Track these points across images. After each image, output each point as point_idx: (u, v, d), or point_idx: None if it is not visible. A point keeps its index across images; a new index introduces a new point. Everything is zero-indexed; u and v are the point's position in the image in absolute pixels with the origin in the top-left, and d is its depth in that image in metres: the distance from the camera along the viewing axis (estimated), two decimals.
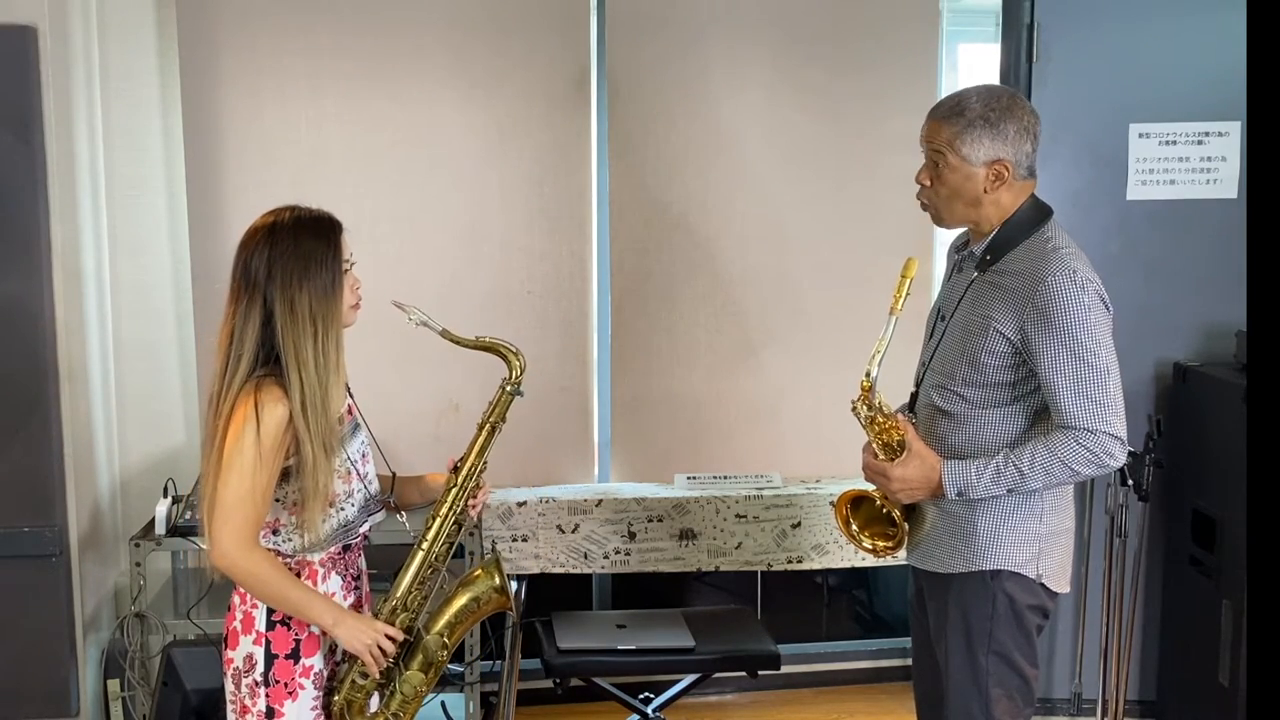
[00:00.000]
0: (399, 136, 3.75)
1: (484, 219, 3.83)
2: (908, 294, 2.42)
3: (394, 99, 3.73)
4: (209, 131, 3.65)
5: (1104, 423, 2.30)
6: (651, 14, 3.85)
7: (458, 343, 2.39)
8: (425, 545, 2.36)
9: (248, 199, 3.55)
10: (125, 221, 3.69)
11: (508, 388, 2.44)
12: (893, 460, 2.43)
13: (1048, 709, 3.82)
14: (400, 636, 2.30)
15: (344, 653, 2.32)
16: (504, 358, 2.44)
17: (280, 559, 2.27)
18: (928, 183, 2.45)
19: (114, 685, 3.52)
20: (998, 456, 2.35)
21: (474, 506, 2.42)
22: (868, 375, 2.44)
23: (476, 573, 2.45)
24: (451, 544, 2.39)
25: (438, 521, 2.38)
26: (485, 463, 2.43)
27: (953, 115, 2.39)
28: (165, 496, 3.39)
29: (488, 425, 2.43)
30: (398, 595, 2.34)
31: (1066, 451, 2.31)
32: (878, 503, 2.49)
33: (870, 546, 2.54)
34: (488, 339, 2.42)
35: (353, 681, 2.31)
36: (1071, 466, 2.31)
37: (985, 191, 2.39)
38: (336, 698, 2.32)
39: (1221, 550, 3.43)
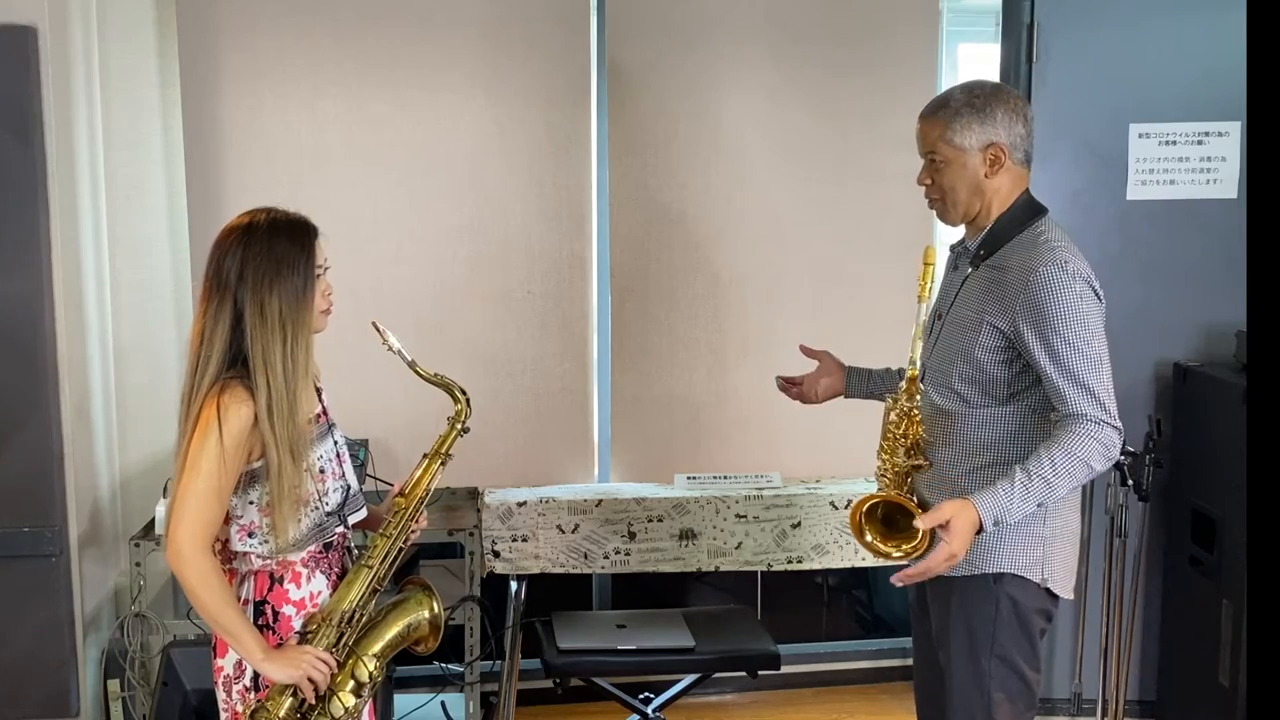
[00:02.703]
0: (399, 137, 3.75)
1: (484, 219, 3.83)
2: (933, 281, 2.43)
3: (394, 99, 3.73)
4: (209, 131, 3.66)
5: (1103, 410, 2.31)
6: (652, 14, 3.85)
7: (419, 375, 2.44)
8: (372, 564, 2.33)
9: (248, 199, 3.50)
10: (125, 221, 3.69)
11: (456, 425, 2.46)
12: (915, 468, 2.42)
13: (1048, 709, 3.81)
14: (331, 661, 2.24)
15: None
16: (452, 397, 2.46)
17: (261, 561, 2.26)
18: (929, 182, 2.47)
19: (114, 685, 3.52)
20: (1015, 472, 2.30)
21: (413, 532, 2.42)
22: (913, 364, 2.40)
23: (411, 599, 2.41)
24: (393, 566, 2.37)
25: (385, 542, 2.36)
26: (429, 490, 2.43)
27: (938, 109, 2.43)
28: (165, 496, 3.39)
29: (437, 456, 2.44)
30: (341, 609, 2.28)
31: (1082, 448, 2.29)
32: (893, 502, 2.47)
33: (901, 554, 2.49)
34: (444, 378, 2.46)
35: (292, 694, 2.23)
36: (1089, 463, 2.30)
37: (986, 177, 2.41)
38: (268, 712, 2.22)
39: (1221, 550, 3.43)
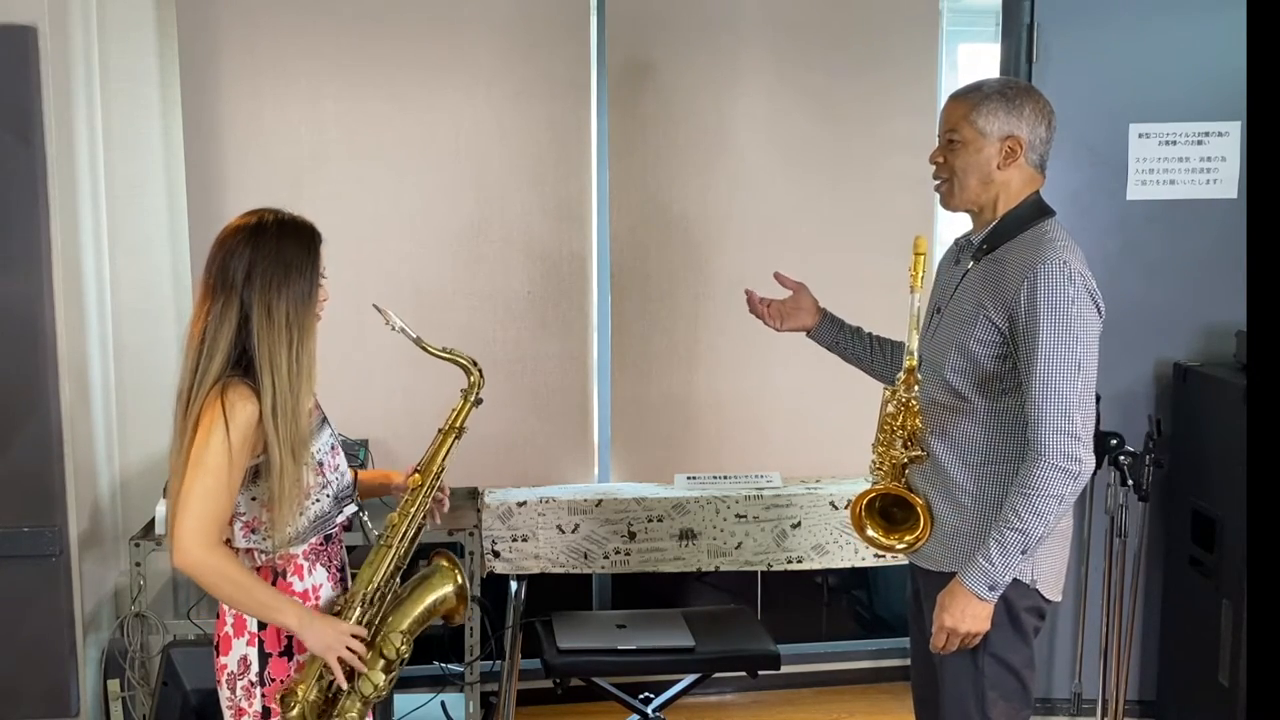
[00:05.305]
0: (399, 137, 3.75)
1: (484, 219, 3.83)
2: (924, 271, 2.43)
3: (394, 99, 3.73)
4: (209, 131, 3.65)
5: (1064, 417, 2.29)
6: (651, 14, 3.85)
7: (427, 350, 2.43)
8: (393, 543, 2.35)
9: (248, 199, 3.51)
10: (125, 221, 3.69)
11: (470, 397, 2.47)
12: (913, 459, 2.43)
13: (1048, 709, 3.82)
14: (366, 635, 2.28)
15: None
16: (463, 369, 2.47)
17: (264, 557, 2.26)
18: (941, 160, 2.47)
19: (114, 685, 3.52)
20: (990, 537, 2.33)
21: (440, 505, 2.44)
22: (910, 354, 2.40)
23: (436, 573, 2.43)
24: (413, 543, 2.39)
25: (405, 521, 2.37)
26: (444, 467, 2.43)
27: (970, 92, 2.45)
28: (165, 496, 3.39)
29: (451, 431, 2.45)
30: (365, 592, 2.31)
31: (1040, 483, 2.29)
32: (892, 494, 2.48)
33: (904, 545, 2.50)
34: (452, 351, 2.47)
35: (319, 679, 2.26)
36: (1053, 493, 2.29)
37: (998, 168, 2.42)
38: (297, 696, 2.24)
39: (1221, 550, 3.43)
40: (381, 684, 2.30)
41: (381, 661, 2.31)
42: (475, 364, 2.48)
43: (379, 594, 2.33)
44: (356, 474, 2.48)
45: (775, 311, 2.82)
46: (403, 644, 2.33)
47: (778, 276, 2.82)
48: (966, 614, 2.35)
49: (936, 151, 2.49)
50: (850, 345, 2.79)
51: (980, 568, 2.33)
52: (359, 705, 2.29)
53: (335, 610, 2.30)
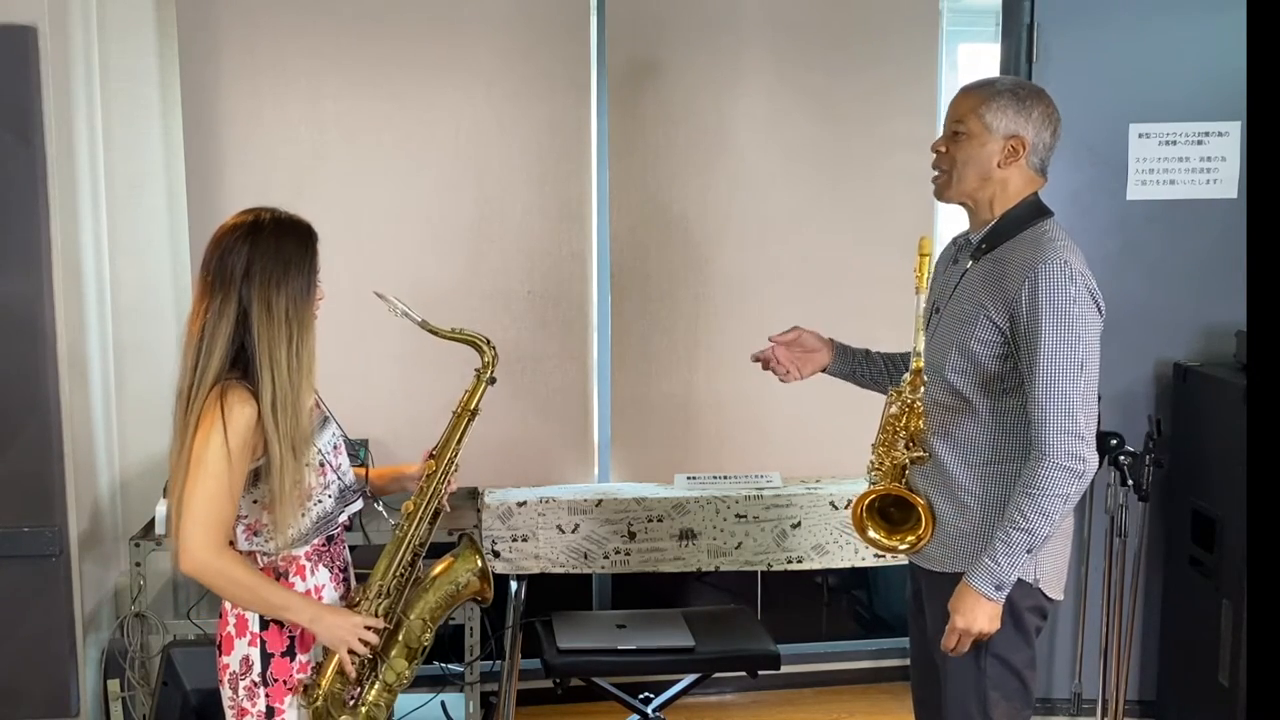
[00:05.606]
0: (399, 137, 3.75)
1: (484, 219, 3.83)
2: (929, 272, 2.42)
3: (394, 99, 3.73)
4: (209, 131, 3.65)
5: (1067, 417, 2.29)
6: (651, 14, 3.86)
7: (435, 333, 2.42)
8: (407, 531, 2.37)
9: (248, 199, 3.50)
10: (125, 221, 3.69)
11: (484, 377, 2.46)
12: (916, 459, 2.42)
13: (1048, 709, 3.82)
14: (380, 625, 2.29)
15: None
16: (476, 348, 2.46)
17: (266, 559, 2.26)
18: (943, 149, 2.47)
19: (114, 685, 3.52)
20: (995, 538, 2.33)
21: (450, 489, 2.44)
22: (918, 355, 2.39)
23: (455, 556, 2.45)
24: (431, 529, 2.40)
25: (419, 508, 2.38)
26: (459, 450, 2.43)
27: (982, 86, 2.46)
28: (165, 496, 3.39)
29: (465, 413, 2.44)
30: (381, 581, 2.33)
31: (1045, 483, 2.29)
32: (892, 495, 2.47)
33: (907, 545, 2.51)
34: (462, 330, 2.46)
35: (339, 671, 2.28)
36: (1059, 493, 2.29)
37: (998, 166, 2.42)
38: (320, 688, 2.27)
39: (1221, 550, 3.43)
40: (405, 671, 2.33)
41: (405, 650, 2.33)
42: (489, 342, 2.47)
43: (395, 583, 2.34)
44: (367, 472, 2.48)
45: (790, 363, 2.79)
46: (424, 631, 2.35)
47: (772, 340, 2.79)
48: (977, 614, 2.35)
49: (939, 141, 2.49)
50: (865, 370, 2.79)
51: (986, 568, 2.34)
52: (385, 695, 2.32)
53: (353, 602, 2.32)
